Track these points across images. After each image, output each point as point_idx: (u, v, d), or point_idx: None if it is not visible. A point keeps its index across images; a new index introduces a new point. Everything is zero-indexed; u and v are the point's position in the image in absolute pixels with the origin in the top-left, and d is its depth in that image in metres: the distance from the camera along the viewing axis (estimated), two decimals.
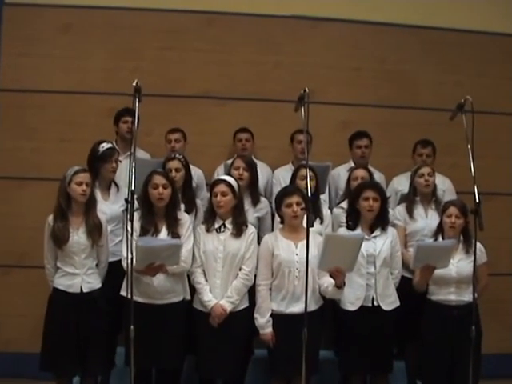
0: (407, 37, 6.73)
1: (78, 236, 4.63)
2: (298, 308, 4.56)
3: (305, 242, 4.21)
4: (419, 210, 5.45)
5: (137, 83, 4.36)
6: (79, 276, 4.67)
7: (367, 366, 4.82)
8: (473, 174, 4.41)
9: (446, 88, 6.59)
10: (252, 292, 4.78)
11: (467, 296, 4.73)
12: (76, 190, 4.61)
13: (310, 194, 4.22)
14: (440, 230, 4.99)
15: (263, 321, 4.66)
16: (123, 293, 4.62)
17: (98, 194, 4.99)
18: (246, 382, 5.14)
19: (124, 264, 4.51)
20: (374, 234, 4.90)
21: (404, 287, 5.04)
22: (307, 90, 4.31)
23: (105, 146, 5.15)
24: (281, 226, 4.87)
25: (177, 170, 5.19)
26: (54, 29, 6.41)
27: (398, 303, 4.92)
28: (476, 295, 4.63)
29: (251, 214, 5.23)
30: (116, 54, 6.42)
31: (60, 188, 4.68)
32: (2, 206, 6.26)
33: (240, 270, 4.73)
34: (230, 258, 4.70)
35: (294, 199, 4.65)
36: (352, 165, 5.94)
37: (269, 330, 4.64)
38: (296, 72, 6.42)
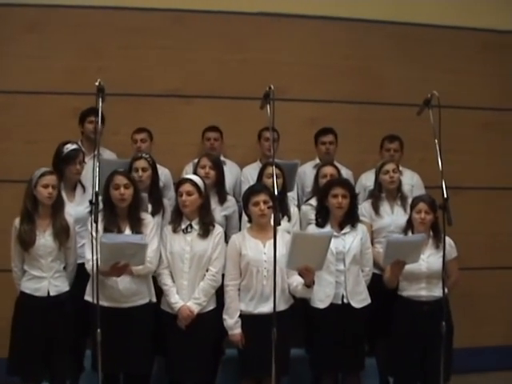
0: (373, 32, 6.68)
1: (45, 239, 4.55)
2: (267, 308, 4.49)
3: (272, 240, 4.14)
4: (385, 207, 5.40)
5: (99, 83, 4.30)
6: (46, 279, 4.58)
7: (339, 364, 4.77)
8: (440, 168, 4.36)
9: (413, 83, 6.53)
10: (220, 293, 4.69)
11: (438, 291, 4.71)
12: (42, 192, 4.53)
13: (276, 192, 4.14)
14: (409, 225, 4.97)
15: (232, 322, 4.58)
16: (88, 298, 4.51)
17: (64, 196, 4.87)
18: (216, 382, 5.08)
19: (88, 267, 4.43)
20: (343, 231, 4.85)
21: (374, 284, 4.99)
22: (272, 88, 4.24)
23: (69, 147, 5.04)
24: (248, 224, 4.80)
25: (143, 170, 5.11)
26: (19, 28, 6.25)
27: (368, 301, 4.87)
28: (446, 290, 4.62)
29: (218, 212, 5.16)
30: (81, 52, 6.26)
31: (26, 190, 4.60)
32: None
33: (207, 270, 4.65)
34: (197, 258, 4.62)
35: (261, 198, 4.58)
36: (318, 162, 5.88)
37: (238, 330, 4.58)
38: (262, 69, 6.33)
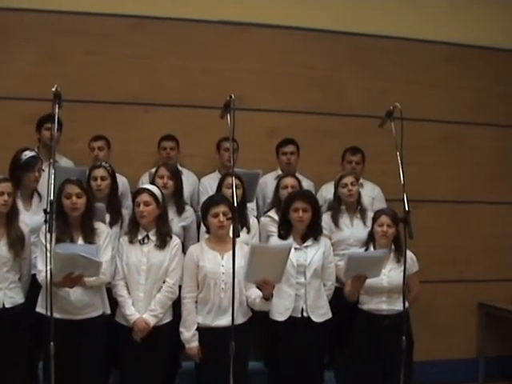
0: (336, 43, 6.66)
1: (0, 248, 4.38)
2: (224, 321, 4.42)
3: (231, 252, 4.07)
4: (344, 219, 5.38)
5: (56, 88, 4.17)
6: (1, 290, 4.43)
7: (298, 378, 4.69)
8: (402, 181, 4.32)
9: (375, 95, 6.53)
10: (177, 305, 4.59)
11: (398, 305, 4.67)
12: None
13: (236, 203, 4.08)
14: (371, 239, 4.95)
15: (189, 335, 4.49)
16: (40, 309, 4.38)
17: (20, 204, 4.74)
18: None
19: (39, 278, 4.32)
20: (305, 244, 4.80)
21: (334, 297, 4.95)
22: (233, 97, 4.17)
23: (28, 154, 4.92)
24: (207, 235, 4.71)
25: (102, 179, 5.01)
26: None
27: (329, 315, 4.82)
28: (407, 304, 4.59)
29: (176, 223, 5.08)
30: (40, 57, 6.11)
31: None
32: None
33: (164, 282, 4.55)
34: (154, 270, 4.53)
35: (221, 209, 4.50)
36: (280, 173, 5.84)
37: (195, 344, 4.49)
38: (224, 78, 6.26)
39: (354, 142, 6.05)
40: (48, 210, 3.89)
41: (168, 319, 4.58)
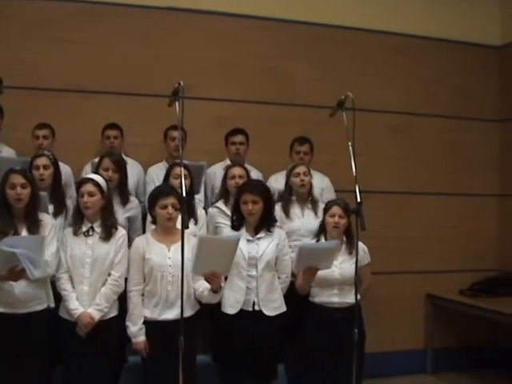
0: (287, 32, 6.60)
1: None
2: (172, 314, 4.36)
3: (178, 244, 4.05)
4: (295, 210, 5.33)
5: None
6: None
7: (248, 373, 4.65)
8: (354, 172, 4.29)
9: (325, 85, 6.52)
10: (123, 298, 4.49)
11: (350, 298, 4.67)
12: None
13: (185, 194, 4.00)
14: (322, 229, 4.91)
15: (135, 329, 4.40)
16: None
17: None
18: None
19: None
20: (258, 236, 4.73)
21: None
22: (182, 84, 4.08)
23: None
24: (153, 226, 4.61)
25: (45, 168, 4.85)
26: None
27: (283, 309, 4.76)
28: (359, 296, 4.55)
29: (121, 214, 4.96)
30: None
31: None
32: None
33: (109, 275, 4.44)
34: (99, 263, 4.40)
35: (170, 201, 4.42)
36: (228, 163, 5.75)
37: (141, 338, 4.40)
38: (171, 66, 6.14)
39: (304, 133, 6.01)
40: None
41: (114, 313, 4.46)
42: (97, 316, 4.33)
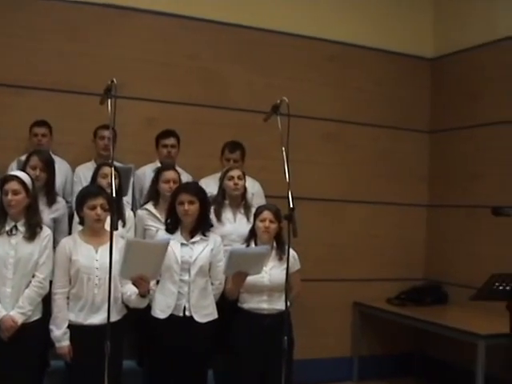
0: (223, 35, 6.61)
1: None
2: (98, 319, 4.29)
3: (106, 246, 3.99)
4: (227, 214, 5.34)
5: None
6: None
7: (177, 380, 4.62)
8: (287, 178, 4.30)
9: (259, 89, 6.58)
10: (48, 301, 4.40)
11: (280, 304, 4.69)
12: None
13: (114, 194, 3.95)
14: (252, 235, 4.91)
15: (59, 333, 4.31)
16: None
17: None
18: None
19: None
20: (192, 240, 4.71)
21: None
22: (115, 81, 4.03)
23: None
24: (80, 227, 4.54)
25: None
26: None
27: (215, 316, 4.74)
28: (288, 303, 4.54)
29: (46, 215, 4.87)
30: None
31: None
32: None
33: (33, 276, 4.35)
34: (23, 263, 4.30)
35: (99, 201, 4.35)
36: (158, 164, 5.71)
37: (66, 342, 4.32)
38: (103, 64, 6.05)
39: (236, 137, 6.02)
40: None
41: (37, 316, 4.37)
42: (20, 319, 4.23)
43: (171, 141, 5.82)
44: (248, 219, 5.20)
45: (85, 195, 4.43)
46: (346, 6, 7.14)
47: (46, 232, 4.46)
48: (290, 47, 6.87)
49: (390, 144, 7.39)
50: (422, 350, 7.45)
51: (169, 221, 4.77)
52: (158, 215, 5.06)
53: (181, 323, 4.58)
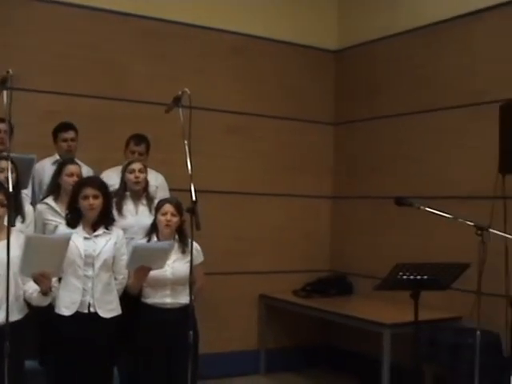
0: (122, 25, 6.58)
1: None
2: None
3: (3, 242, 3.88)
4: (129, 206, 5.33)
5: None
6: None
7: (82, 378, 4.55)
8: (189, 171, 4.33)
9: (162, 81, 6.56)
10: None
11: (183, 298, 4.73)
12: None
13: (11, 189, 3.89)
14: (154, 228, 4.91)
15: None
16: None
17: None
18: None
19: None
20: (95, 234, 4.68)
21: None
22: (11, 72, 3.94)
23: None
24: None
25: None
26: None
27: (119, 311, 4.72)
28: (192, 297, 4.57)
29: None
30: None
31: None
32: None
33: None
34: None
35: None
36: (57, 158, 5.65)
37: None
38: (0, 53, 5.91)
39: (137, 129, 5.98)
40: None
41: None
42: None
43: (70, 134, 5.75)
44: (150, 211, 5.20)
45: None
46: None
47: None
48: (193, 38, 6.90)
49: (294, 136, 7.52)
50: (328, 341, 7.62)
51: (70, 215, 4.73)
52: (58, 209, 5.00)
53: (86, 320, 4.54)
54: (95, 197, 4.62)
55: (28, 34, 6.16)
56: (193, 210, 4.26)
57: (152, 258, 4.60)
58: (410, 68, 6.83)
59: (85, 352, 4.51)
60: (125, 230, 5.06)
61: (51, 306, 4.54)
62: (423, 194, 6.29)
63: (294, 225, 7.51)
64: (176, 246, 4.86)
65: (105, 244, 4.66)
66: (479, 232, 4.33)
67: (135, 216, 5.30)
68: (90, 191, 4.61)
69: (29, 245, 3.96)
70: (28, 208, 5.00)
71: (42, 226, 5.00)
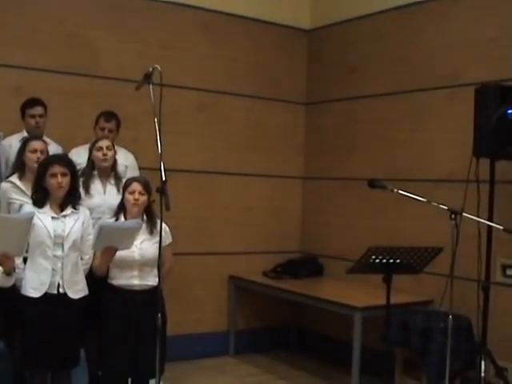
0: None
1: None
2: None
3: None
4: (96, 186, 5.22)
5: None
6: None
7: (51, 361, 4.49)
8: (159, 150, 4.24)
9: (131, 58, 6.45)
10: None
11: (151, 280, 4.67)
12: None
13: None
14: (122, 208, 4.82)
15: None
16: None
17: None
18: None
19: None
20: (63, 213, 4.57)
21: None
22: None
23: None
24: None
25: None
26: None
27: (86, 292, 4.65)
28: (161, 279, 4.51)
29: None
30: None
31: None
32: None
33: None
34: None
35: None
36: (25, 134, 5.50)
37: None
38: None
39: (106, 106, 5.85)
40: None
41: None
42: None
43: (38, 110, 5.62)
44: (118, 191, 5.10)
45: None
46: None
47: None
48: (164, 15, 6.78)
49: (265, 115, 7.46)
50: (299, 323, 7.62)
51: (36, 194, 4.60)
52: (23, 188, 4.89)
53: (54, 300, 4.46)
54: (63, 175, 4.51)
55: None
56: (162, 190, 4.19)
57: (119, 238, 4.52)
58: (385, 49, 6.78)
59: (52, 334, 4.43)
60: (92, 209, 4.98)
61: (16, 288, 4.45)
62: (397, 176, 6.27)
63: (265, 205, 7.47)
64: (144, 226, 4.78)
65: (73, 224, 4.57)
66: (453, 216, 4.31)
67: (103, 195, 5.20)
68: (58, 169, 4.50)
69: None
70: None
71: (6, 205, 4.89)
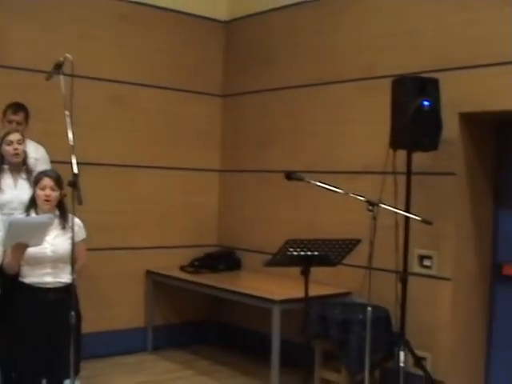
0: None
1: None
2: None
3: None
4: (7, 180, 5.09)
5: None
6: None
7: None
8: (71, 142, 4.12)
9: (42, 48, 6.25)
10: None
11: (65, 277, 4.54)
12: None
13: None
14: (33, 203, 4.66)
15: None
16: None
17: None
18: None
19: None
20: None
21: None
22: None
23: None
24: None
25: None
26: None
27: None
28: (75, 275, 4.36)
29: None
30: None
31: None
32: None
33: None
34: None
35: None
36: None
37: None
38: None
39: (16, 98, 5.68)
40: None
41: None
42: None
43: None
44: (30, 185, 4.96)
45: None
46: None
47: None
48: (77, 3, 6.59)
49: (181, 108, 7.38)
50: (217, 317, 7.60)
51: None
52: None
53: None
54: None
55: None
56: (74, 184, 4.07)
57: (29, 234, 4.37)
58: (301, 41, 6.79)
59: None
60: (3, 205, 4.89)
61: None
62: (314, 168, 6.30)
63: (181, 199, 7.40)
64: (56, 221, 4.63)
65: None
66: (370, 207, 4.33)
67: (14, 190, 5.07)
68: None
69: None
70: None
71: None
